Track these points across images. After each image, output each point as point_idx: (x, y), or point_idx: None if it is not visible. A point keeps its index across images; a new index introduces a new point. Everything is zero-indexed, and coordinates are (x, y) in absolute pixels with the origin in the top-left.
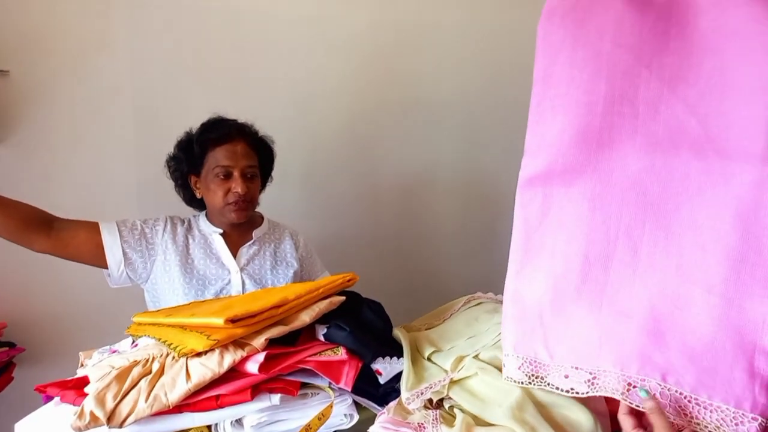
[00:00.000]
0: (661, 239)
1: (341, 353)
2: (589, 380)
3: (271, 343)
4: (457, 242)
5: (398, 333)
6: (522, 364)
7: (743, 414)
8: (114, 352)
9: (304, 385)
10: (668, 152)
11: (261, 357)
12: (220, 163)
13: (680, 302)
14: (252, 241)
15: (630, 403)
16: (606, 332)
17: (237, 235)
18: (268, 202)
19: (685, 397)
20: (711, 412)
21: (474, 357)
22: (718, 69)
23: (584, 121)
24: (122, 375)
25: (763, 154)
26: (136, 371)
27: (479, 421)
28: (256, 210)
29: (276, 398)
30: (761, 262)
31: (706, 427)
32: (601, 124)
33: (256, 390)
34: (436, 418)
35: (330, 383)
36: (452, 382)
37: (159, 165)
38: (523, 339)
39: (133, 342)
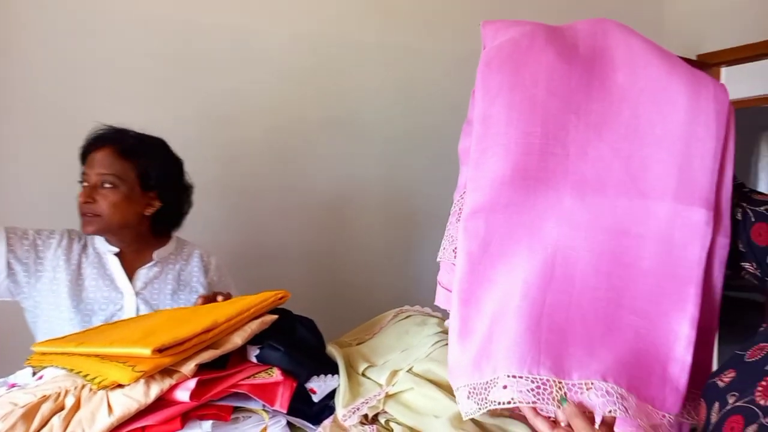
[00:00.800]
0: (592, 268)
1: (276, 374)
2: (531, 389)
3: (201, 367)
4: (381, 256)
5: (332, 350)
6: (469, 392)
7: (657, 412)
8: (13, 386)
9: (236, 409)
10: (597, 191)
11: (192, 384)
12: (82, 171)
13: (611, 323)
14: (152, 262)
15: (547, 411)
16: (546, 345)
17: (134, 255)
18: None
19: (621, 394)
20: (640, 410)
21: (408, 371)
22: (634, 117)
23: (522, 159)
24: (29, 413)
25: (674, 193)
26: (47, 407)
27: None
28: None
29: (207, 425)
30: (674, 288)
31: (640, 422)
32: (538, 163)
33: (186, 418)
34: None
35: (264, 405)
36: (388, 396)
37: (63, 175)
38: (468, 367)
39: (35, 374)
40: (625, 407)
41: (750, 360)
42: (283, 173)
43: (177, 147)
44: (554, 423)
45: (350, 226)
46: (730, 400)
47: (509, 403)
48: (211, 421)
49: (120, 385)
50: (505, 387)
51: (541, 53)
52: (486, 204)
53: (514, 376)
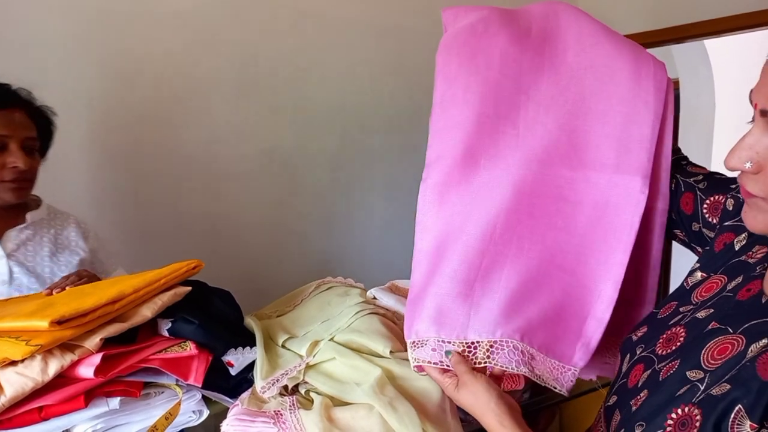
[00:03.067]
0: (531, 232)
1: (189, 348)
2: (460, 352)
3: (107, 342)
4: (298, 228)
5: (250, 321)
6: (411, 347)
7: (563, 366)
8: None
9: (147, 385)
10: (543, 162)
11: (96, 359)
12: None
13: (542, 281)
14: (25, 224)
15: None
16: (476, 309)
17: (4, 217)
18: (51, 187)
19: (532, 354)
20: (544, 365)
21: (330, 340)
22: (580, 94)
23: (474, 138)
24: None
25: (615, 164)
26: None
27: (337, 402)
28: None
29: (115, 402)
30: (604, 250)
31: (539, 376)
32: (489, 141)
33: (91, 395)
34: (293, 404)
35: (177, 380)
36: (308, 367)
37: None
38: (409, 327)
39: None
40: (530, 366)
41: (660, 316)
42: (191, 143)
43: (83, 108)
44: (445, 371)
45: (265, 197)
46: (638, 351)
47: (437, 363)
48: (118, 398)
49: (13, 363)
50: (434, 349)
51: (495, 37)
52: (441, 180)
53: (444, 341)
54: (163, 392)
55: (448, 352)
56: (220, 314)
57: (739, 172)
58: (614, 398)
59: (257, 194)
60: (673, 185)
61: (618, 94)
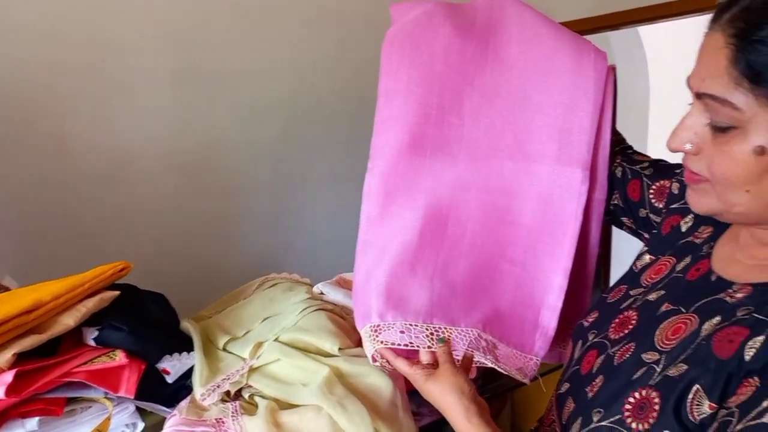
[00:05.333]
0: (481, 226)
1: (119, 357)
2: (426, 335)
3: (22, 356)
4: (242, 223)
5: (187, 325)
6: (368, 334)
7: (525, 355)
8: None
9: (72, 401)
10: (488, 155)
11: (8, 377)
12: None
13: (495, 275)
14: None
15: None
16: (438, 298)
17: None
18: None
19: (494, 344)
20: (507, 356)
21: (275, 340)
22: (523, 87)
23: (419, 128)
24: None
25: (556, 156)
26: None
27: (284, 405)
28: None
29: (33, 423)
30: (551, 241)
31: (503, 366)
32: (434, 132)
33: (4, 417)
34: (236, 410)
35: (106, 393)
36: (252, 370)
37: None
38: (363, 313)
39: None
40: (494, 355)
41: (610, 301)
42: (118, 131)
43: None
44: (413, 362)
45: (206, 191)
46: (590, 337)
47: (407, 345)
48: (37, 418)
49: None
50: (402, 332)
51: (439, 29)
52: (385, 170)
53: (410, 324)
54: (90, 407)
55: (441, 340)
56: (152, 319)
57: (683, 155)
58: (567, 386)
59: (196, 189)
60: (619, 173)
61: (559, 85)
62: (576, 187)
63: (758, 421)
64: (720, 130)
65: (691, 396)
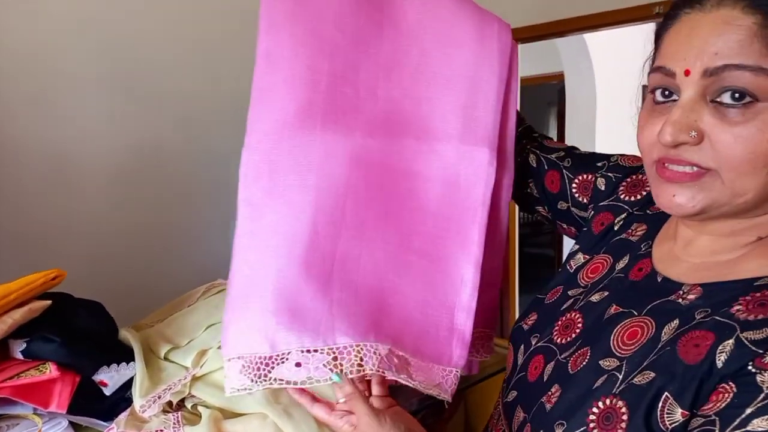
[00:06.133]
0: (383, 211)
1: (50, 370)
2: (328, 362)
3: None
4: (190, 230)
5: (126, 334)
6: (243, 365)
7: (443, 368)
8: None
9: None
10: (388, 132)
11: None
12: None
13: (401, 270)
14: None
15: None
16: (338, 306)
17: None
18: None
19: (407, 359)
20: (422, 371)
21: (219, 348)
22: (423, 58)
23: (308, 96)
24: None
25: (460, 134)
26: None
27: (228, 414)
28: None
29: None
30: (459, 229)
31: (420, 383)
32: (325, 101)
33: None
34: (178, 420)
35: (35, 409)
36: (195, 379)
37: None
38: (247, 335)
39: None
40: (408, 373)
41: (548, 302)
42: (55, 136)
43: None
44: (331, 405)
45: (147, 197)
46: (533, 341)
47: (305, 382)
48: None
49: None
50: (298, 365)
51: None
52: (267, 146)
53: (308, 351)
54: (18, 424)
55: (337, 375)
56: (87, 329)
57: (653, 159)
58: (514, 394)
59: (137, 195)
60: (534, 162)
61: (461, 57)
62: (483, 169)
63: (744, 429)
64: (739, 107)
65: (661, 404)
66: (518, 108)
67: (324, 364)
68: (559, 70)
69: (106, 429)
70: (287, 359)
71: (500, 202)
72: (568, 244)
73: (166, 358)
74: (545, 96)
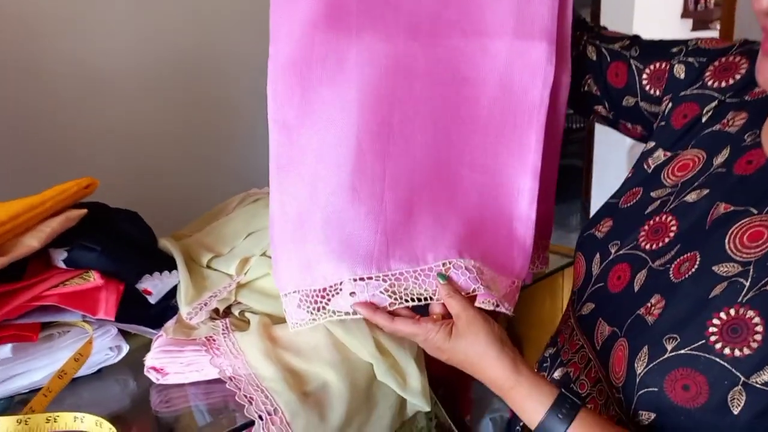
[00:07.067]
0: (431, 124)
1: (94, 278)
2: (386, 289)
3: None
4: (219, 139)
5: (166, 243)
6: (301, 300)
7: (506, 279)
8: None
9: (48, 325)
10: (432, 32)
11: None
12: None
13: (455, 186)
14: None
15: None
16: (391, 229)
17: None
18: None
19: (480, 269)
20: (495, 279)
21: (262, 255)
22: None
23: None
24: None
25: (513, 28)
26: None
27: (276, 319)
28: None
29: (5, 350)
30: (514, 136)
31: (487, 298)
32: (358, 5)
33: None
34: (227, 327)
35: (84, 316)
36: (240, 286)
37: None
38: (299, 268)
39: None
40: (486, 284)
41: (625, 206)
42: (85, 51)
43: None
44: (393, 315)
45: (180, 109)
46: (612, 250)
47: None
48: (9, 345)
49: None
50: (352, 294)
51: None
52: (297, 56)
53: (361, 279)
54: (68, 331)
55: (441, 276)
56: (127, 237)
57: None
58: (590, 306)
59: (172, 104)
60: (593, 54)
61: None
62: (541, 67)
63: None
64: None
65: None
66: None
67: (381, 291)
68: None
69: (155, 336)
70: (341, 290)
71: (558, 103)
72: (600, 153)
73: (208, 266)
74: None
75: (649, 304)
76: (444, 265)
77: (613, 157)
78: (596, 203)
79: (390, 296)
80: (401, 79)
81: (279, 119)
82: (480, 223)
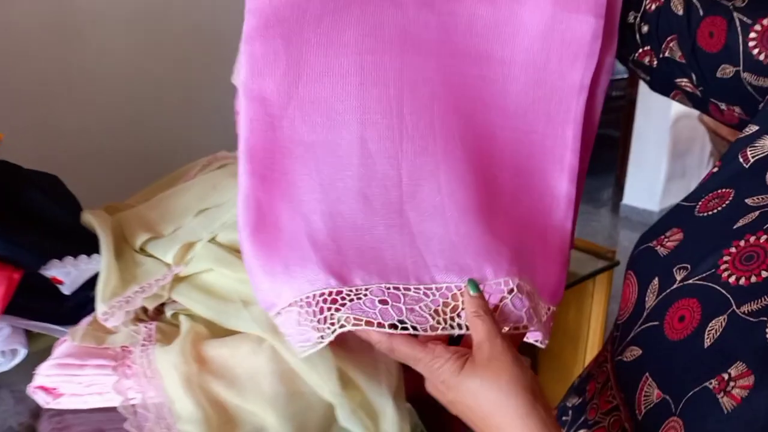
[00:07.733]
0: (450, 113)
1: None
2: (428, 306)
3: None
4: (204, 89)
5: (89, 217)
6: (300, 313)
7: (543, 305)
8: None
9: None
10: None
11: None
12: None
13: (488, 187)
14: None
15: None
16: (423, 238)
17: None
18: None
19: (530, 294)
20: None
21: (210, 241)
22: None
23: None
24: None
25: None
26: None
27: (216, 329)
28: None
29: None
30: (549, 131)
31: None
32: None
33: None
34: (150, 335)
35: None
36: (177, 280)
37: None
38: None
39: None
40: (539, 317)
41: (703, 214)
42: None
43: None
44: (417, 339)
45: (162, 51)
46: (678, 276)
47: (395, 327)
48: None
49: None
50: (384, 302)
51: None
52: (286, 14)
53: (395, 288)
54: None
55: (472, 283)
56: (36, 211)
57: None
58: (636, 351)
59: (152, 46)
60: (679, 7)
61: None
62: (585, 47)
63: None
64: None
65: None
66: None
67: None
68: None
69: (59, 340)
70: (367, 294)
71: (597, 89)
72: (641, 121)
73: (142, 251)
74: None
75: (725, 375)
76: (504, 283)
77: (652, 129)
78: (632, 181)
79: (430, 316)
80: (412, 56)
81: (254, 93)
82: (518, 233)
